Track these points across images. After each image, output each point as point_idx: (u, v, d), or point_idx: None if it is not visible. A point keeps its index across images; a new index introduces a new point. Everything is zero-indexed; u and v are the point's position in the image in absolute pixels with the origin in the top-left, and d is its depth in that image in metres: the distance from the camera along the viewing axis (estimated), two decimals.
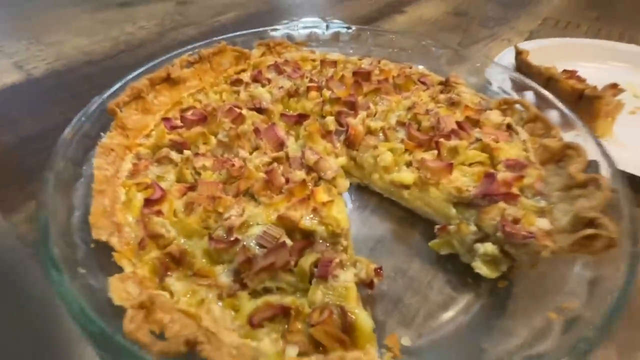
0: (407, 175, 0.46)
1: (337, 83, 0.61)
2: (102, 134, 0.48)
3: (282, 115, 0.56)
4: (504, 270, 0.39)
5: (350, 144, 0.51)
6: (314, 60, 0.70)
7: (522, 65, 0.70)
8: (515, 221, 0.39)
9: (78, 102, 0.51)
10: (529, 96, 0.55)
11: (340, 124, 0.54)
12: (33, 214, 0.50)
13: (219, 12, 1.15)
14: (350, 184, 0.53)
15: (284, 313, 0.32)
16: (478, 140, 0.50)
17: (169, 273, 0.35)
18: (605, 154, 0.42)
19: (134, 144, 0.50)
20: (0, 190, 0.53)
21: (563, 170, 0.43)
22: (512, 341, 0.30)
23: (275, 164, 0.46)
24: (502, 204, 0.40)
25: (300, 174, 0.45)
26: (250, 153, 0.50)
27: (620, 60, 0.84)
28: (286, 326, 0.31)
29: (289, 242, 0.37)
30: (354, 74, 0.63)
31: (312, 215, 0.41)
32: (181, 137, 0.50)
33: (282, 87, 0.60)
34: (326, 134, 0.53)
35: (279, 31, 0.72)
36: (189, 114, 0.55)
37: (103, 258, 0.35)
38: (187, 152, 0.48)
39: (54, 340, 0.37)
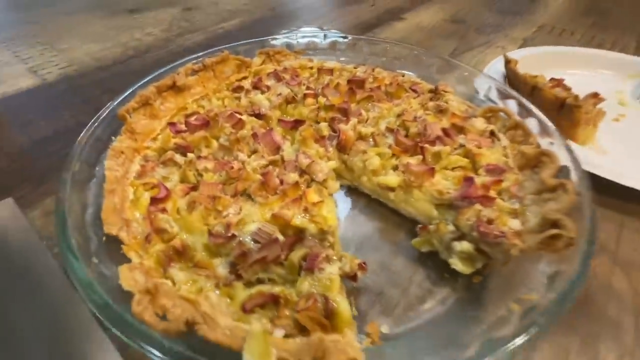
0: (392, 178, 0.50)
1: (332, 90, 0.65)
2: (113, 137, 0.52)
3: (279, 120, 0.60)
4: (479, 266, 0.43)
5: (342, 148, 0.55)
6: (311, 68, 0.73)
7: (510, 74, 0.74)
8: (490, 222, 0.43)
9: (89, 106, 0.56)
10: (512, 104, 0.59)
11: (333, 130, 0.58)
12: (48, 210, 0.54)
13: (224, 18, 1.19)
14: (341, 185, 0.57)
15: (273, 301, 0.36)
16: (462, 146, 0.53)
17: (172, 264, 0.39)
18: (574, 160, 0.45)
19: (142, 147, 0.54)
20: (16, 188, 0.57)
21: (537, 176, 0.47)
22: (479, 327, 0.34)
23: (270, 167, 0.49)
24: (478, 206, 0.44)
25: (293, 176, 0.49)
26: (249, 156, 0.53)
27: (608, 68, 0.87)
28: (275, 312, 0.35)
29: (281, 238, 0.41)
30: (349, 81, 0.67)
31: (303, 214, 0.45)
32: (185, 141, 0.54)
33: (280, 94, 0.64)
34: (320, 139, 0.57)
35: (279, 40, 0.76)
36: (192, 119, 0.59)
37: (113, 250, 0.39)
38: (190, 155, 0.52)
39: (67, 325, 0.41)
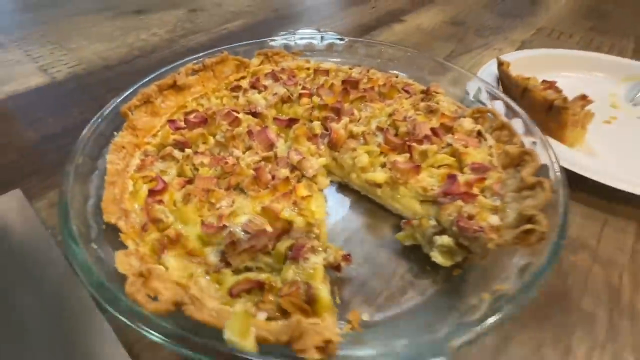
0: (379, 175, 0.52)
1: (327, 90, 0.67)
2: (115, 133, 0.55)
3: (275, 119, 0.63)
4: (459, 260, 0.45)
5: (333, 146, 0.57)
6: (308, 69, 0.76)
7: (503, 76, 0.75)
8: (470, 217, 0.44)
9: (95, 104, 0.59)
10: (500, 106, 0.60)
11: (326, 128, 0.60)
12: (53, 202, 0.57)
13: (227, 19, 1.22)
14: (333, 182, 0.59)
15: (259, 286, 0.38)
16: (449, 145, 0.55)
17: (165, 251, 0.41)
18: (553, 159, 0.47)
19: (142, 142, 0.57)
20: (24, 181, 0.61)
21: (519, 174, 0.48)
22: (453, 315, 0.36)
23: (263, 163, 0.52)
24: (459, 202, 0.46)
25: (284, 172, 0.51)
26: (244, 152, 0.56)
27: (602, 71, 0.88)
28: (260, 297, 0.37)
29: (269, 229, 0.43)
30: (343, 82, 0.69)
31: (292, 208, 0.47)
32: (183, 137, 0.57)
33: (276, 94, 0.66)
34: (312, 137, 0.59)
35: (277, 41, 0.78)
36: (191, 116, 0.61)
37: (112, 237, 0.42)
38: (188, 151, 0.55)
39: (68, 307, 0.43)
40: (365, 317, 0.41)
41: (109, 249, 0.40)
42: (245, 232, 0.43)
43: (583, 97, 0.64)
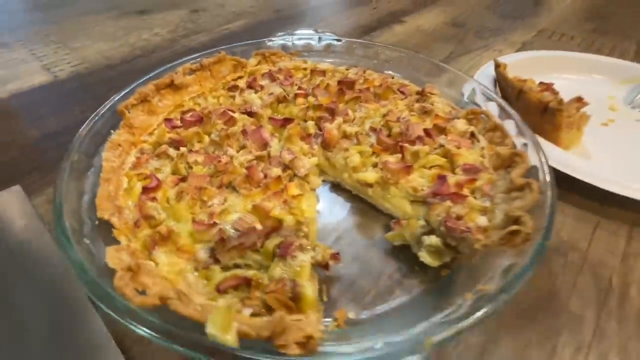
0: (370, 175, 0.52)
1: (322, 91, 0.68)
2: (112, 131, 0.56)
3: (270, 118, 0.63)
4: (447, 260, 0.45)
5: (326, 146, 0.58)
6: (305, 69, 0.76)
7: (499, 77, 0.75)
8: (459, 218, 0.45)
9: (97, 103, 0.60)
10: (494, 107, 0.60)
11: (320, 128, 0.60)
12: (51, 198, 0.58)
13: (229, 20, 1.23)
14: (326, 182, 0.59)
15: (246, 283, 0.39)
16: (441, 146, 0.55)
17: (156, 248, 0.42)
18: (543, 161, 0.47)
19: (138, 140, 0.58)
20: (25, 177, 0.62)
21: (509, 175, 0.49)
22: (436, 314, 0.36)
23: (254, 162, 0.52)
24: (448, 203, 0.46)
25: (276, 171, 0.52)
26: (238, 151, 0.57)
27: (602, 73, 0.87)
28: (247, 294, 0.38)
29: (259, 227, 0.44)
30: (339, 82, 0.69)
31: (282, 206, 0.48)
32: (179, 136, 0.58)
33: (272, 94, 0.67)
34: (306, 137, 0.59)
35: (275, 42, 0.79)
36: (188, 115, 0.62)
37: (105, 233, 0.43)
38: (182, 149, 0.56)
39: (64, 301, 0.44)
40: (351, 315, 0.41)
41: (102, 245, 0.41)
42: (236, 230, 0.44)
43: (578, 99, 0.64)
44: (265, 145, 0.57)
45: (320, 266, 0.43)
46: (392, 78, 0.73)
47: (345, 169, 0.55)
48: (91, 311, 0.43)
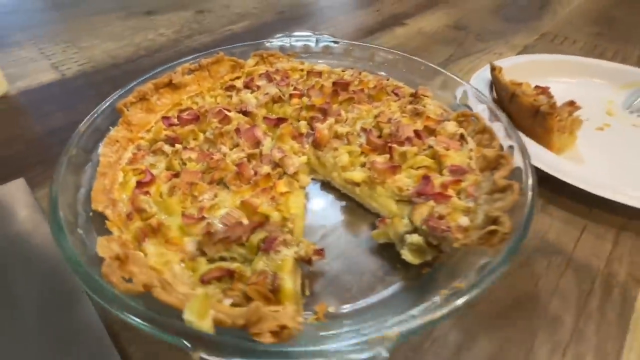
0: (358, 174, 0.53)
1: (317, 92, 0.69)
2: (110, 128, 0.58)
3: (264, 118, 0.65)
4: (428, 258, 0.46)
5: (317, 145, 0.59)
6: (302, 70, 0.78)
7: (495, 81, 0.76)
8: (441, 217, 0.46)
9: (100, 100, 0.62)
10: (485, 110, 0.61)
11: (312, 128, 0.62)
12: None
13: (232, 21, 1.26)
14: (317, 180, 0.61)
15: (229, 275, 0.40)
16: (430, 147, 0.56)
17: (146, 239, 0.44)
18: (527, 163, 0.48)
19: (136, 137, 0.60)
20: (29, 170, 0.65)
21: (493, 177, 0.49)
22: (409, 310, 0.37)
23: (245, 159, 0.54)
24: (431, 202, 0.47)
25: (266, 168, 0.53)
26: (231, 149, 0.58)
27: (602, 78, 0.87)
28: (229, 285, 0.39)
29: (245, 222, 0.46)
30: (334, 83, 0.70)
31: (270, 202, 0.49)
32: (175, 133, 0.60)
33: (267, 94, 0.68)
34: (298, 136, 0.61)
35: (274, 43, 0.81)
36: (185, 114, 0.64)
37: (98, 225, 0.44)
38: (178, 146, 0.57)
39: (59, 287, 0.47)
40: (332, 309, 0.42)
41: (95, 236, 0.43)
42: (223, 224, 0.45)
43: (571, 103, 0.65)
44: (257, 143, 0.59)
45: (304, 261, 0.44)
46: (387, 80, 0.74)
47: (335, 168, 0.56)
48: (84, 298, 0.45)
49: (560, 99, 0.67)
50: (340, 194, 0.58)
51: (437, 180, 0.51)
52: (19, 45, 1.08)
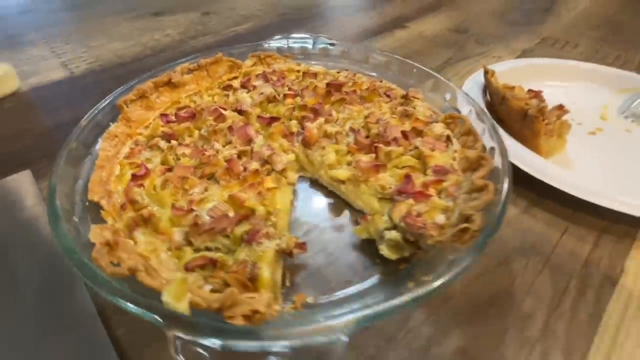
0: (343, 172, 0.55)
1: (311, 92, 0.71)
2: (110, 123, 0.61)
3: (258, 117, 0.67)
4: (406, 254, 0.47)
5: (306, 144, 0.61)
6: (298, 71, 0.80)
7: (487, 84, 0.77)
8: (419, 215, 0.47)
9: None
10: (472, 112, 0.62)
11: (303, 127, 0.64)
12: None
13: (237, 22, 1.29)
14: (305, 177, 0.63)
15: (212, 263, 0.42)
16: (416, 147, 0.58)
17: (137, 229, 0.46)
18: (504, 163, 0.49)
19: (134, 132, 0.63)
20: (35, 163, 0.68)
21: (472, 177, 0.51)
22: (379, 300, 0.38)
23: (236, 156, 0.56)
24: (410, 201, 0.49)
25: (255, 165, 0.55)
26: (224, 146, 0.61)
27: (599, 82, 0.87)
28: (211, 273, 0.42)
29: (231, 214, 0.48)
30: (328, 84, 0.72)
31: (257, 197, 0.51)
32: (171, 130, 0.63)
33: (262, 93, 0.71)
34: (289, 134, 0.63)
35: (271, 45, 0.83)
36: (182, 112, 0.67)
37: (94, 215, 0.47)
38: (173, 142, 0.60)
39: (57, 272, 0.50)
40: (310, 299, 0.44)
41: (90, 224, 0.46)
42: (211, 216, 0.48)
43: (560, 107, 0.65)
44: (249, 141, 0.61)
45: (285, 254, 0.46)
46: (380, 82, 0.76)
47: (322, 166, 0.58)
48: (79, 283, 0.48)
49: (554, 102, 0.68)
50: (327, 192, 0.60)
51: (418, 179, 0.52)
52: (33, 44, 1.13)
